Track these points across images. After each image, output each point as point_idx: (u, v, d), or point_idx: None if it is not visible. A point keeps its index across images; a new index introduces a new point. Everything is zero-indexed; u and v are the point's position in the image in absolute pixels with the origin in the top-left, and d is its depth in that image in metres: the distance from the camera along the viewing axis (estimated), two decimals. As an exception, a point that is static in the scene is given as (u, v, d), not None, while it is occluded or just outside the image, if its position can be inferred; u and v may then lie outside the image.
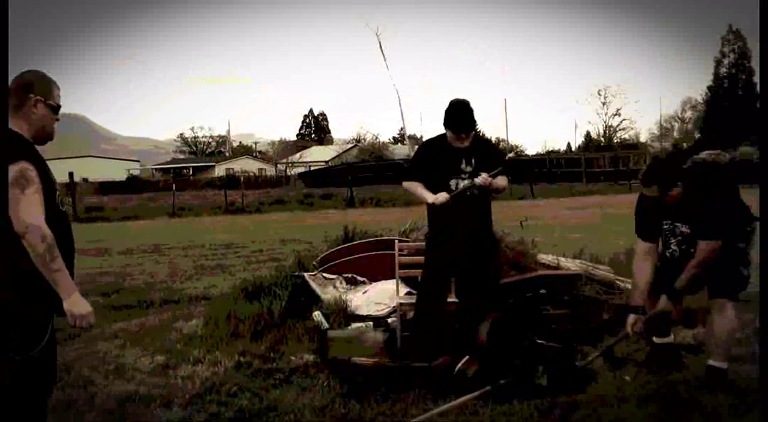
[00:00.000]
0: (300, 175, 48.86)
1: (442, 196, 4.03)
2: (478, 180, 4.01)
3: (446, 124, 4.10)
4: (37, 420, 2.42)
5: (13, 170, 2.26)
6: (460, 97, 4.16)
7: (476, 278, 4.15)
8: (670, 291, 3.62)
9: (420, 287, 4.37)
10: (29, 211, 2.26)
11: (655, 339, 3.97)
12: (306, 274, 5.57)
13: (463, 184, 4.07)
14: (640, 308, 3.71)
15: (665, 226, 3.77)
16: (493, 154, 4.33)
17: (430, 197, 4.07)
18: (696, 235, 3.60)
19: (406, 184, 4.26)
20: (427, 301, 4.22)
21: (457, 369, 3.84)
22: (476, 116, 4.11)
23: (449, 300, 4.37)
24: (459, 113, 4.07)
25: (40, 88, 2.45)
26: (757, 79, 55.10)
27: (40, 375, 2.39)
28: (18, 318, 2.30)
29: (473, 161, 4.12)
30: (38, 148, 2.45)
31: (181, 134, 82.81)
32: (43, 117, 2.45)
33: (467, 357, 3.88)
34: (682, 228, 3.70)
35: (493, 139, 76.94)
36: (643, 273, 3.75)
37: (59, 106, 2.53)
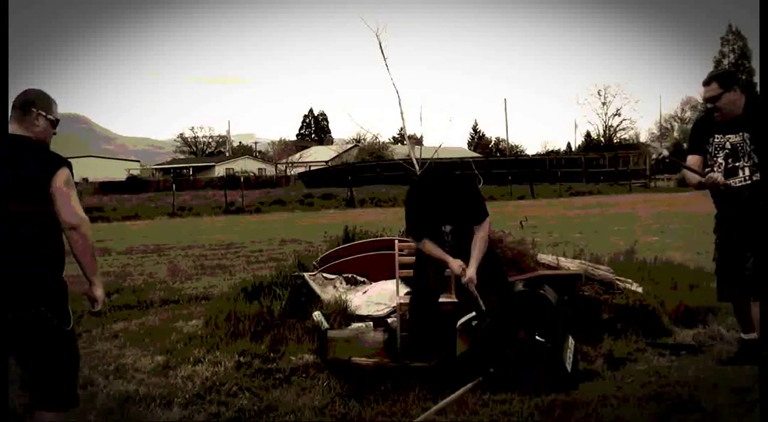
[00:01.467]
0: (300, 175, 48.88)
1: (462, 269, 3.95)
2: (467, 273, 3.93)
3: (425, 200, 4.05)
4: (75, 383, 2.89)
5: (64, 174, 2.70)
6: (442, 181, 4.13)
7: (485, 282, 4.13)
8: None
9: (413, 286, 4.37)
10: (79, 207, 2.74)
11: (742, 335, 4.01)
12: (306, 274, 5.57)
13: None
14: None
15: (716, 139, 3.83)
16: (470, 207, 4.12)
17: (453, 264, 3.97)
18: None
19: (423, 246, 4.09)
20: (419, 300, 4.23)
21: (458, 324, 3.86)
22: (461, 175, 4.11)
23: (448, 300, 4.37)
24: (431, 189, 4.05)
25: (41, 104, 2.80)
26: (757, 79, 55.14)
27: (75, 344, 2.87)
28: (63, 295, 2.73)
29: (453, 219, 4.06)
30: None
31: (181, 134, 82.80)
32: (43, 129, 2.81)
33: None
34: (733, 138, 3.77)
35: (493, 139, 77.10)
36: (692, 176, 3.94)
37: (57, 120, 2.88)
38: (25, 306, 2.63)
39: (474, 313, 3.97)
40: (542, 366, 3.68)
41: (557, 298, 4.32)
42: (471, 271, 3.88)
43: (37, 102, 2.80)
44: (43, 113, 2.79)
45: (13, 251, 2.59)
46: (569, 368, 3.79)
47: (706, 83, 3.80)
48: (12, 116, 2.79)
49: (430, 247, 4.02)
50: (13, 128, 2.76)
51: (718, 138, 3.82)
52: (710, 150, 3.86)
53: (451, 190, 4.05)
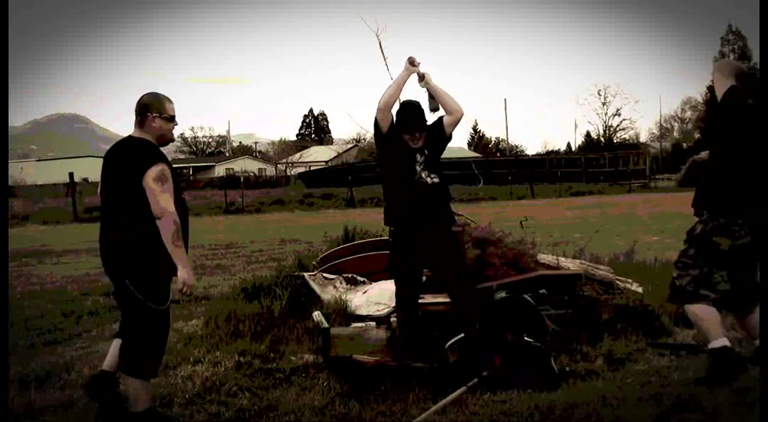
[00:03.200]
0: (300, 175, 48.85)
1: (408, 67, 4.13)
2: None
3: (400, 126, 4.09)
4: (154, 357, 3.28)
5: (156, 169, 3.10)
6: (414, 98, 4.19)
7: (445, 272, 4.15)
8: None
9: (395, 286, 4.37)
10: (167, 201, 3.10)
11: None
12: (306, 274, 5.57)
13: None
14: None
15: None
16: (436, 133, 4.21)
17: (404, 70, 4.15)
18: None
19: (379, 103, 4.14)
20: (400, 299, 4.24)
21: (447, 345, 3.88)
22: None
23: (444, 300, 4.37)
24: (412, 114, 4.09)
25: (155, 107, 3.27)
26: (757, 79, 55.07)
27: (165, 317, 3.27)
28: (158, 278, 3.18)
29: (426, 150, 4.13)
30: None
31: (181, 134, 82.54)
32: (160, 127, 3.28)
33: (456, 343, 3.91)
34: None
35: (493, 139, 77.09)
36: None
37: (172, 116, 3.32)
38: (116, 280, 3.22)
39: (462, 335, 3.96)
40: (531, 366, 3.73)
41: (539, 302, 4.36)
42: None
43: (150, 106, 3.26)
44: (157, 114, 3.26)
45: (113, 234, 3.23)
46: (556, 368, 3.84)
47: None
48: (135, 122, 3.30)
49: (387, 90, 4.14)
50: (135, 132, 3.29)
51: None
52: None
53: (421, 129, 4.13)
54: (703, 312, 3.60)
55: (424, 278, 4.38)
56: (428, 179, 4.10)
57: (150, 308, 3.15)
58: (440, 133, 4.17)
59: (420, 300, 4.33)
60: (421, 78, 4.19)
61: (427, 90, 4.20)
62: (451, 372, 3.81)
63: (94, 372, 3.57)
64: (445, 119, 4.18)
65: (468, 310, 4.07)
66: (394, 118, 4.16)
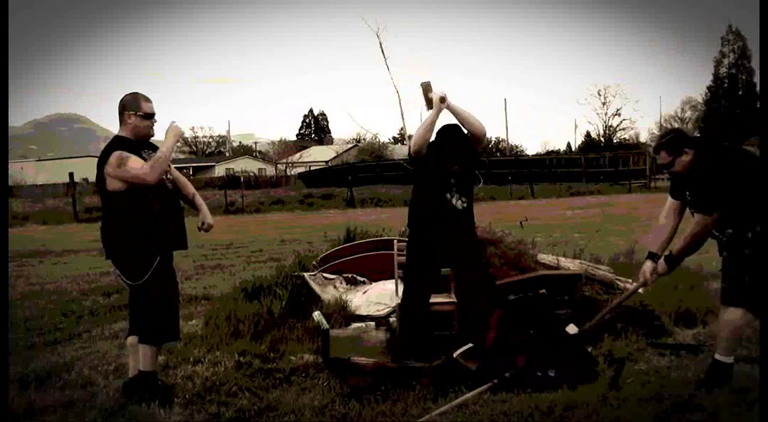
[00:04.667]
0: (300, 175, 48.83)
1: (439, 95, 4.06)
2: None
3: (437, 151, 4.08)
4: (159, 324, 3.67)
5: (113, 158, 3.44)
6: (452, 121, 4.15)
7: (468, 279, 4.15)
8: (668, 257, 3.83)
9: (404, 285, 4.37)
10: (136, 169, 3.43)
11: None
12: (306, 274, 5.57)
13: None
14: (655, 255, 3.88)
15: (688, 197, 3.79)
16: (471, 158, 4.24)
17: (434, 109, 4.08)
18: (693, 206, 3.69)
19: (413, 139, 4.16)
20: (410, 299, 4.23)
21: (455, 355, 3.87)
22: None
23: (448, 300, 4.37)
24: (453, 141, 4.08)
25: (133, 105, 3.57)
26: (757, 79, 55.15)
27: (151, 296, 3.59)
28: (131, 259, 3.55)
29: (458, 173, 4.13)
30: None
31: (182, 134, 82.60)
32: (135, 125, 3.58)
33: (468, 350, 3.90)
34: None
35: (493, 139, 77.14)
36: (662, 228, 3.91)
37: (148, 114, 3.59)
38: (107, 258, 3.68)
39: (470, 345, 3.95)
40: (571, 359, 3.77)
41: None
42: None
43: (126, 105, 3.57)
44: (133, 112, 3.55)
45: (104, 224, 3.63)
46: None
47: (655, 151, 3.77)
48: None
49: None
50: (120, 130, 3.61)
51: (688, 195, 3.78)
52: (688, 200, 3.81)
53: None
54: (742, 321, 3.58)
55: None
56: (458, 203, 4.12)
57: (134, 285, 3.60)
58: (472, 154, 4.17)
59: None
60: (443, 100, 4.09)
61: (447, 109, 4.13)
62: (455, 367, 3.83)
63: (131, 376, 3.80)
64: (470, 138, 4.14)
65: (483, 313, 4.08)
66: (433, 137, 4.15)
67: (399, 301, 4.56)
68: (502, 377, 3.65)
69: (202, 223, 3.86)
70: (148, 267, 3.54)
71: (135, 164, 3.45)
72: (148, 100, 3.62)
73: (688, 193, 3.77)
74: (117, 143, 3.56)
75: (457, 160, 4.07)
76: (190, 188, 3.98)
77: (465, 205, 4.15)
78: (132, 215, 3.51)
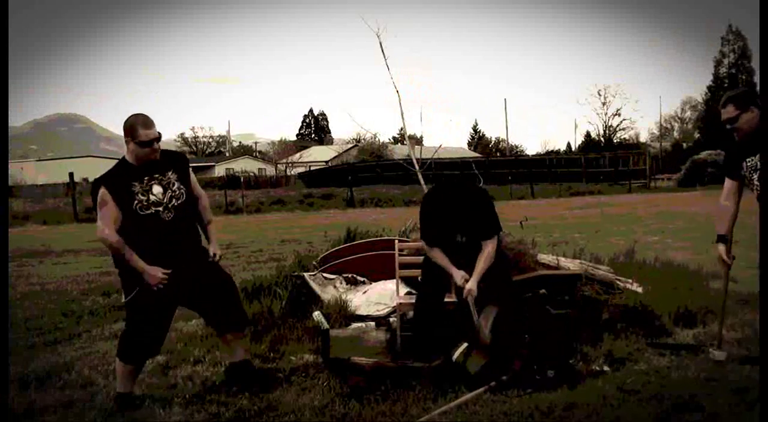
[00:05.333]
0: (300, 175, 48.84)
1: (465, 280, 3.97)
2: (468, 286, 3.95)
3: (441, 208, 4.07)
4: (139, 346, 3.67)
5: (99, 194, 3.48)
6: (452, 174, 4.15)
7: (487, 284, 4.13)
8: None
9: (419, 287, 4.37)
10: (99, 227, 3.49)
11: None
12: (306, 274, 5.57)
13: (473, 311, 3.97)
14: (725, 237, 4.01)
15: (749, 162, 3.82)
16: (481, 221, 4.11)
17: (456, 275, 4.00)
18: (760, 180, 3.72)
19: (432, 253, 4.13)
20: (425, 301, 4.23)
21: (455, 357, 3.87)
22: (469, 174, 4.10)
23: (448, 299, 4.37)
24: (445, 197, 4.08)
25: (131, 132, 3.51)
26: (757, 79, 55.14)
27: (141, 311, 3.58)
28: (127, 277, 3.56)
29: (465, 230, 4.09)
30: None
31: (182, 134, 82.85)
32: (133, 151, 3.54)
33: (469, 347, 3.89)
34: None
35: (493, 139, 77.16)
36: (725, 210, 4.02)
37: (146, 141, 3.50)
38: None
39: (466, 344, 3.96)
40: (553, 369, 3.76)
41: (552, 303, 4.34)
42: (472, 284, 3.92)
43: (126, 129, 3.53)
44: (130, 138, 3.51)
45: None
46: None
47: (723, 105, 3.80)
48: None
49: (438, 256, 4.07)
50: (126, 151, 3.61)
51: (750, 160, 3.80)
52: (746, 173, 3.84)
53: (468, 201, 4.06)
54: None
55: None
56: (463, 239, 4.10)
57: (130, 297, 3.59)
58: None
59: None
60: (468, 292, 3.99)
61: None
62: (457, 366, 3.83)
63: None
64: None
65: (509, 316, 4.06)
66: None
67: (399, 301, 4.56)
68: (500, 380, 3.66)
69: (213, 254, 3.77)
70: (129, 291, 3.56)
71: (103, 218, 3.47)
72: (148, 125, 3.53)
73: (746, 163, 3.78)
74: (116, 170, 3.58)
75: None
76: (208, 215, 3.93)
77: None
78: (127, 240, 3.50)
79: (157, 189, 3.55)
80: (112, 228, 3.45)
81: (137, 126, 3.51)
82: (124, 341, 3.67)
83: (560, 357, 3.90)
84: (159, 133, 3.57)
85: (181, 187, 3.64)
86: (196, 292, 3.66)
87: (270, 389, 3.77)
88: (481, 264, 3.99)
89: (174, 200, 3.58)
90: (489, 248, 4.03)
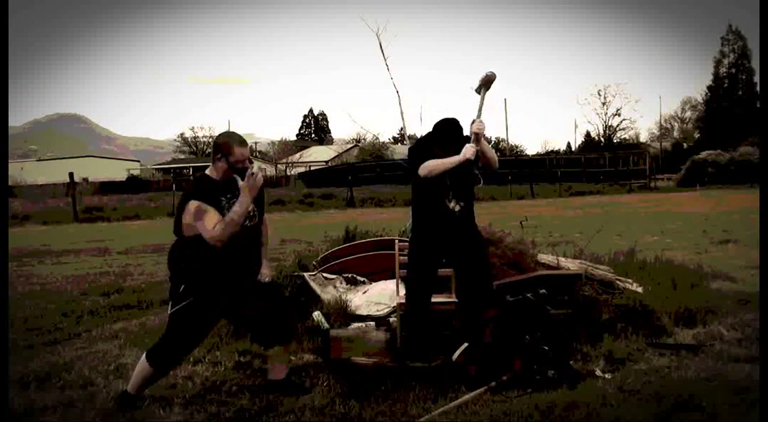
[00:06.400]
0: (300, 175, 48.85)
1: (471, 151, 3.91)
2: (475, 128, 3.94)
3: (437, 142, 4.05)
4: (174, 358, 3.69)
5: (192, 207, 3.39)
6: (452, 115, 4.11)
7: (469, 277, 4.15)
8: None
9: (406, 286, 4.36)
10: (205, 228, 3.36)
11: None
12: (306, 274, 5.57)
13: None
14: None
15: None
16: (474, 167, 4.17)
17: (459, 157, 3.92)
18: None
19: (427, 165, 4.02)
20: (413, 300, 4.23)
21: (454, 357, 3.87)
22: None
23: (449, 299, 4.37)
24: (450, 132, 4.06)
25: (225, 149, 3.46)
26: (757, 79, 55.16)
27: (181, 332, 3.56)
28: (178, 292, 3.52)
29: (459, 178, 4.08)
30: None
31: (182, 134, 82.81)
32: (221, 169, 3.48)
33: (464, 353, 3.89)
34: None
35: (493, 139, 77.20)
36: None
37: (240, 160, 3.45)
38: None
39: (466, 344, 3.96)
40: (551, 369, 3.76)
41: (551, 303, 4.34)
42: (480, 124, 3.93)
43: (219, 146, 3.48)
44: (222, 156, 3.45)
45: (175, 244, 3.62)
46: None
47: None
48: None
49: (437, 160, 3.97)
50: (209, 169, 3.54)
51: None
52: None
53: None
54: None
55: None
56: (456, 207, 4.09)
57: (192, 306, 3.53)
58: (472, 168, 4.12)
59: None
60: (478, 140, 3.97)
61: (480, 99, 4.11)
62: (456, 366, 3.83)
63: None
64: (480, 161, 4.08)
65: (482, 312, 4.08)
66: (431, 132, 4.13)
67: (399, 301, 4.56)
68: (500, 380, 3.66)
69: (262, 274, 3.77)
70: (178, 301, 3.52)
71: (210, 221, 3.36)
72: (243, 144, 3.49)
73: None
74: (202, 185, 3.49)
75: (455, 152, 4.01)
76: (265, 237, 3.93)
77: (463, 206, 4.12)
78: (194, 254, 3.47)
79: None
80: (219, 224, 3.36)
81: (233, 144, 3.46)
82: (162, 348, 3.58)
83: (560, 357, 3.90)
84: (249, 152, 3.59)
85: (256, 208, 3.63)
86: (248, 307, 3.63)
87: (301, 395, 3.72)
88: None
89: (248, 220, 3.54)
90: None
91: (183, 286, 3.51)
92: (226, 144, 3.47)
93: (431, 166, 3.98)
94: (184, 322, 3.53)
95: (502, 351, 3.86)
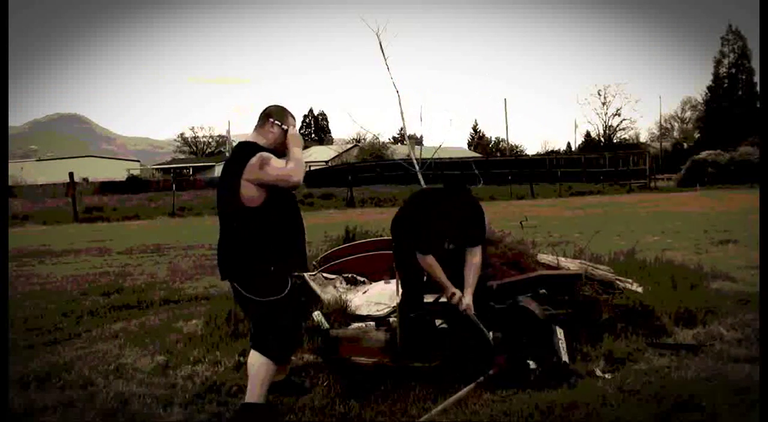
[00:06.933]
0: (300, 175, 48.74)
1: (460, 298, 3.94)
2: (464, 302, 3.93)
3: (437, 213, 4.00)
4: (293, 341, 3.51)
5: (255, 159, 3.18)
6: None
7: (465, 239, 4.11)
8: None
9: (402, 288, 4.36)
10: (279, 166, 3.20)
11: None
12: (306, 274, 5.57)
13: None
14: None
15: None
16: (476, 226, 4.11)
17: (452, 292, 3.94)
18: None
19: (427, 261, 4.01)
20: (408, 301, 4.23)
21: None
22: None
23: (443, 300, 4.37)
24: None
25: (278, 116, 3.40)
26: (757, 79, 55.16)
27: (288, 311, 3.36)
28: (255, 274, 3.28)
29: (454, 238, 4.06)
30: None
31: (182, 134, 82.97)
32: (277, 135, 3.37)
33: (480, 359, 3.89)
34: None
35: (493, 139, 77.21)
36: None
37: (287, 130, 3.38)
38: (224, 278, 3.41)
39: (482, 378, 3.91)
40: (533, 360, 3.79)
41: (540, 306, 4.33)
42: (467, 299, 3.90)
43: (272, 113, 3.41)
44: (278, 122, 3.38)
45: (224, 240, 3.35)
46: (566, 359, 3.90)
47: None
48: (255, 126, 3.43)
49: (434, 265, 3.96)
50: (252, 136, 3.40)
51: None
52: None
53: (461, 207, 4.01)
54: None
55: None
56: (450, 246, 4.07)
57: (255, 299, 3.32)
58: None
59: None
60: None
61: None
62: (457, 365, 3.84)
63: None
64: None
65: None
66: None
67: (399, 301, 4.56)
68: (487, 375, 3.69)
69: None
70: (284, 284, 3.33)
71: (278, 164, 3.22)
72: (294, 117, 3.49)
73: None
74: (254, 148, 3.31)
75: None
76: None
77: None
78: (269, 228, 3.26)
79: None
80: (290, 163, 3.25)
81: (288, 114, 3.44)
82: (279, 340, 3.36)
83: (541, 350, 3.90)
84: None
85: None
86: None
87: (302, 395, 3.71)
88: (472, 275, 3.97)
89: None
90: (477, 258, 4.01)
91: (272, 266, 3.27)
92: (284, 111, 3.44)
93: (429, 267, 3.98)
94: (290, 304, 3.35)
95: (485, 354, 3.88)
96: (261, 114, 3.44)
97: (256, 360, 3.33)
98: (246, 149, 3.31)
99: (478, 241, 4.05)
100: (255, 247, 3.26)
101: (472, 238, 4.03)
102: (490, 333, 3.90)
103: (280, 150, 3.36)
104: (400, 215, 4.30)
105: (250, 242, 3.25)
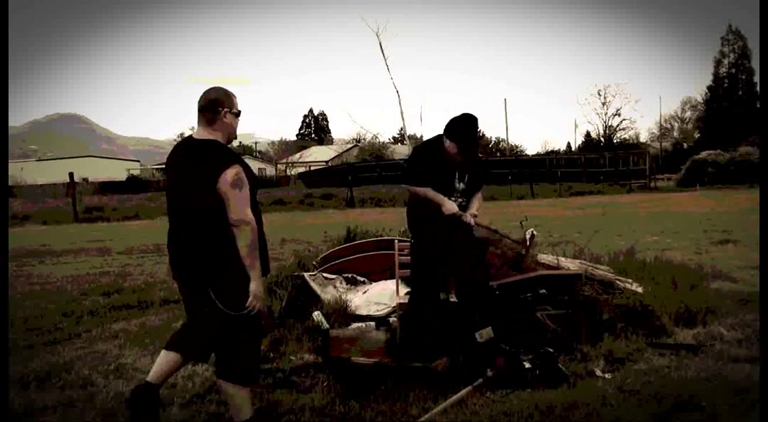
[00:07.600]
0: (300, 175, 48.85)
1: (453, 207, 4.10)
2: (470, 220, 4.15)
3: (454, 136, 4.09)
4: (247, 362, 3.07)
5: (231, 172, 2.88)
6: (469, 110, 4.23)
7: (466, 278, 4.16)
8: None
9: (411, 285, 4.38)
10: (244, 207, 2.90)
11: None
12: (306, 274, 5.57)
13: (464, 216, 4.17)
14: None
15: None
16: (480, 175, 4.40)
17: (447, 205, 4.10)
18: None
19: (416, 189, 4.20)
20: (417, 300, 4.23)
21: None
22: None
23: (451, 300, 4.37)
24: (471, 129, 4.11)
25: (224, 102, 3.05)
26: (757, 79, 55.16)
27: (253, 326, 3.02)
28: (232, 283, 2.93)
29: (466, 179, 4.22)
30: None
31: (181, 134, 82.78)
32: (230, 123, 3.08)
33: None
34: None
35: (493, 139, 77.24)
36: None
37: (240, 112, 3.14)
38: (197, 290, 3.01)
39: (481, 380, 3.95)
40: (537, 368, 3.81)
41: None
42: (472, 211, 4.17)
43: (220, 100, 3.06)
44: (228, 109, 3.06)
45: (189, 243, 3.03)
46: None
47: None
48: (200, 120, 3.06)
49: (429, 191, 4.14)
50: (201, 132, 3.05)
51: None
52: None
53: (475, 151, 4.28)
54: None
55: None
56: (461, 185, 4.23)
57: (229, 314, 2.95)
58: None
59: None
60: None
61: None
62: (460, 365, 3.85)
63: (137, 384, 3.28)
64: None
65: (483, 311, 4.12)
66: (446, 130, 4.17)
67: (399, 301, 4.56)
68: (486, 377, 3.71)
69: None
70: (240, 301, 2.95)
71: (245, 195, 2.93)
72: (235, 96, 3.15)
73: None
74: (229, 153, 3.03)
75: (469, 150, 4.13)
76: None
77: (463, 204, 4.23)
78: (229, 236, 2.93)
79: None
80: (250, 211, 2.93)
81: (232, 95, 3.11)
82: (247, 362, 3.06)
83: (536, 350, 3.92)
84: None
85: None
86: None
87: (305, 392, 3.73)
88: (476, 204, 4.26)
89: None
90: (480, 193, 4.33)
91: (244, 283, 2.94)
92: (229, 94, 3.10)
93: (422, 192, 4.16)
94: (255, 320, 3.00)
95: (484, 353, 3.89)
96: (206, 103, 3.05)
97: (231, 390, 3.05)
98: (217, 152, 2.98)
99: (482, 184, 4.35)
100: (235, 253, 2.92)
101: (480, 181, 4.33)
102: (485, 331, 3.95)
103: (232, 138, 3.13)
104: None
105: (230, 246, 2.92)
